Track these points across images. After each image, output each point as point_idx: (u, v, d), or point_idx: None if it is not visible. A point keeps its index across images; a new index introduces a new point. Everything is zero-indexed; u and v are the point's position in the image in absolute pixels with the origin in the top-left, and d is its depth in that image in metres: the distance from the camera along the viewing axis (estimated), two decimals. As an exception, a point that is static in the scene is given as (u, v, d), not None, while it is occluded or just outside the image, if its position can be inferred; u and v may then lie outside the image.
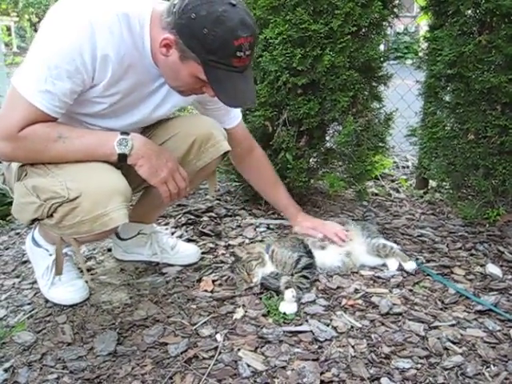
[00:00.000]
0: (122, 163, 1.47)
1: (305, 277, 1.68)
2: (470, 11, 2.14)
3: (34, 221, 1.50)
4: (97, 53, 1.35)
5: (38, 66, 1.34)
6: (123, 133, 1.46)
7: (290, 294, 1.58)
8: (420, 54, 2.40)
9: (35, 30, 18.88)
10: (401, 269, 1.83)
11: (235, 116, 1.89)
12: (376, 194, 2.84)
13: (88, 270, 1.90)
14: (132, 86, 1.49)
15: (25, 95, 1.34)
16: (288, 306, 1.57)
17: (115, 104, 1.49)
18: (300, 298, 1.62)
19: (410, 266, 1.82)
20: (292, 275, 1.71)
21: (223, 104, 1.72)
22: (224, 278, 1.81)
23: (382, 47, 2.44)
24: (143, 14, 1.41)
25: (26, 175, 1.48)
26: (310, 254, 1.76)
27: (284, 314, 1.55)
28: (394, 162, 3.52)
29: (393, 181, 3.15)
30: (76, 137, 1.43)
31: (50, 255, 1.72)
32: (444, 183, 2.47)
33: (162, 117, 1.69)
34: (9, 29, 15.76)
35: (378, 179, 3.07)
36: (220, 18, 1.30)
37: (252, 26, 1.36)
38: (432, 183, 2.83)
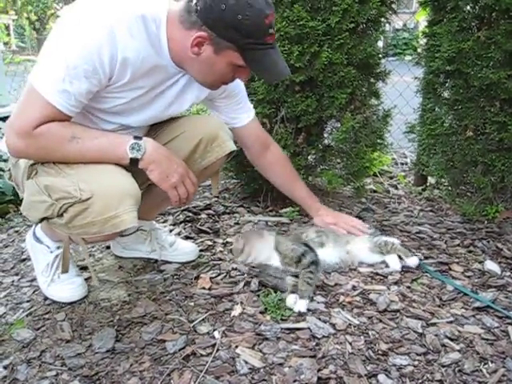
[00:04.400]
0: (133, 167, 1.48)
1: (311, 272, 1.66)
2: (468, 7, 2.14)
3: (43, 219, 1.50)
4: (117, 55, 1.35)
5: (56, 65, 1.33)
6: (136, 137, 1.47)
7: (292, 299, 1.57)
8: (419, 50, 2.40)
9: (34, 29, 18.88)
10: (403, 265, 1.82)
11: (247, 113, 1.89)
12: (374, 191, 2.84)
13: (86, 268, 1.90)
14: (149, 85, 1.50)
15: (42, 93, 1.34)
16: (296, 303, 1.57)
17: (133, 100, 1.50)
18: (310, 294, 1.61)
19: (413, 261, 1.82)
20: (296, 275, 1.69)
21: (236, 97, 1.81)
22: (222, 276, 1.82)
23: (380, 44, 2.43)
24: (159, 15, 1.42)
25: (36, 173, 1.49)
26: (312, 250, 1.76)
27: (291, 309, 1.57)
28: (393, 159, 3.52)
29: (391, 177, 3.15)
30: (89, 138, 1.43)
31: (51, 252, 1.73)
32: (443, 180, 2.48)
33: (174, 114, 1.70)
34: (7, 27, 15.74)
35: (377, 176, 3.07)
36: (248, 2, 1.34)
37: (271, 4, 1.42)
38: (431, 180, 2.84)
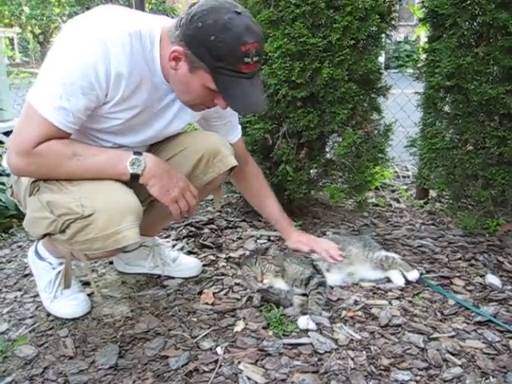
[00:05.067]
0: (134, 182, 1.49)
1: (320, 293, 1.67)
2: (467, 23, 2.17)
3: (45, 235, 1.50)
4: (111, 70, 1.37)
5: (53, 83, 1.36)
6: (136, 152, 1.48)
7: (305, 321, 1.56)
8: (419, 65, 2.43)
9: (38, 42, 19.05)
10: (405, 280, 1.83)
11: (237, 132, 1.92)
12: (376, 205, 2.85)
13: (89, 284, 1.91)
14: (144, 103, 1.51)
15: (40, 111, 1.36)
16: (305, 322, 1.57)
17: (130, 120, 1.52)
18: (320, 313, 1.62)
19: (413, 275, 1.83)
20: (305, 294, 1.69)
21: (229, 118, 1.77)
22: (225, 291, 1.83)
23: (381, 59, 2.46)
24: (153, 32, 1.44)
25: (38, 190, 1.50)
26: (319, 272, 1.77)
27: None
28: (395, 172, 3.53)
29: (393, 191, 3.16)
30: (90, 155, 1.45)
31: (53, 269, 1.74)
32: (444, 193, 2.49)
33: (173, 133, 1.72)
34: (11, 40, 15.88)
35: (379, 189, 3.08)
36: (226, 25, 1.32)
37: (258, 33, 1.39)
38: (432, 193, 2.85)
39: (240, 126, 1.94)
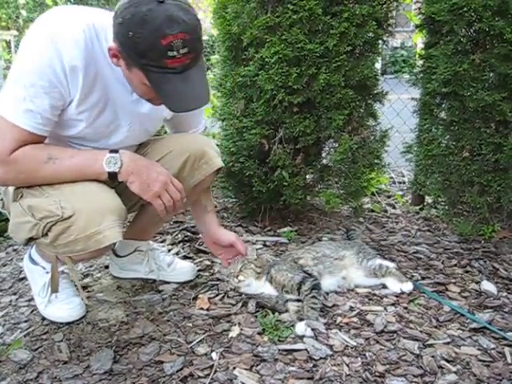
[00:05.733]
0: (113, 181, 1.48)
1: (315, 297, 1.66)
2: (463, 30, 2.18)
3: (29, 240, 1.51)
4: (65, 64, 1.35)
5: (14, 88, 1.36)
6: (112, 151, 1.47)
7: (302, 327, 1.55)
8: (415, 71, 2.43)
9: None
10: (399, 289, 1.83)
11: (198, 130, 1.91)
12: (372, 211, 2.85)
13: (84, 288, 1.91)
14: (105, 98, 1.49)
15: (7, 118, 1.36)
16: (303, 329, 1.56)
17: (96, 120, 1.50)
18: (317, 317, 1.61)
19: (407, 286, 1.82)
20: (300, 300, 1.69)
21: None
22: (220, 296, 1.82)
23: (378, 65, 2.46)
24: (105, 26, 1.40)
25: (21, 196, 1.50)
26: (312, 276, 1.77)
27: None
28: (391, 178, 3.54)
29: (389, 197, 3.17)
30: (66, 157, 1.44)
31: (47, 273, 1.72)
32: (440, 199, 2.49)
33: (152, 130, 1.71)
34: (8, 43, 15.84)
35: (374, 195, 3.08)
36: (143, 18, 1.24)
37: (183, 22, 1.26)
38: (428, 199, 2.85)
39: (204, 121, 1.95)
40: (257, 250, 2.11)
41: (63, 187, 1.45)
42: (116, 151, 1.47)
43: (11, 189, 1.55)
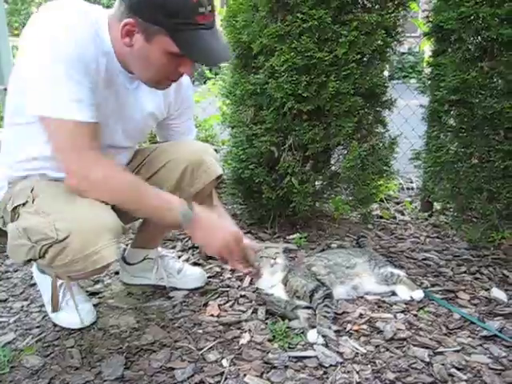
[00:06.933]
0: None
1: (327, 306, 1.67)
2: (471, 38, 2.18)
3: (28, 261, 1.47)
4: (87, 54, 1.35)
5: (53, 85, 1.31)
6: (186, 204, 1.47)
7: (314, 335, 1.56)
8: (423, 79, 2.44)
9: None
10: (410, 296, 1.83)
11: (192, 134, 1.93)
12: (381, 217, 2.86)
13: (95, 294, 1.93)
14: (107, 93, 1.48)
15: (58, 116, 1.32)
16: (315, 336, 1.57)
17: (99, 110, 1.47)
18: (330, 326, 1.61)
19: (418, 294, 1.82)
20: (310, 307, 1.69)
21: (187, 115, 1.79)
22: (230, 303, 1.84)
23: (385, 73, 2.47)
24: (100, 19, 1.40)
25: (18, 217, 1.48)
26: (324, 285, 1.77)
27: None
28: (399, 184, 3.54)
29: (398, 203, 3.17)
30: (151, 192, 1.46)
31: (58, 280, 1.74)
32: (448, 206, 2.49)
33: (151, 120, 1.70)
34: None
35: (383, 201, 3.08)
36: None
37: None
38: (436, 206, 2.85)
39: (195, 129, 1.95)
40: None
41: (59, 205, 1.42)
42: (190, 205, 1.48)
43: (9, 209, 1.52)
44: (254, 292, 1.87)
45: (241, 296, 1.87)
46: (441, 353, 1.51)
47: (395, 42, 2.37)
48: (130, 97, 1.57)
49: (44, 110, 1.33)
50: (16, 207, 1.49)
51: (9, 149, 1.56)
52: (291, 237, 2.44)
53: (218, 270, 2.13)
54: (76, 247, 1.36)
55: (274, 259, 1.75)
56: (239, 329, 1.66)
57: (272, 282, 1.75)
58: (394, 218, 2.87)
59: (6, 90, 3.74)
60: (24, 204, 1.47)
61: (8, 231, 1.48)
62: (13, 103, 1.47)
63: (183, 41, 1.33)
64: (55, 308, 1.63)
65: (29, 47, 1.34)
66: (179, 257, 2.24)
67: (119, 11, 1.36)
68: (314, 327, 1.59)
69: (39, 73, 1.32)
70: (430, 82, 2.36)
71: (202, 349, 1.55)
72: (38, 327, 1.74)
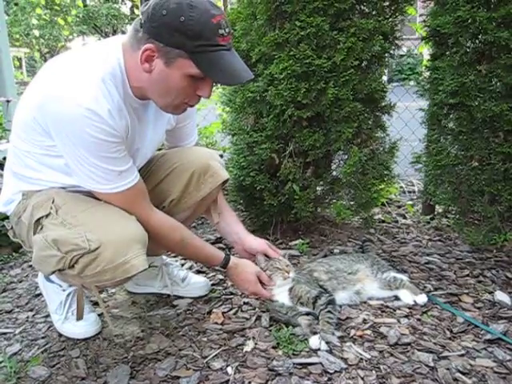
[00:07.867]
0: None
1: (330, 312, 1.67)
2: (469, 42, 2.19)
3: (55, 271, 1.49)
4: (108, 129, 1.39)
5: (96, 168, 1.42)
6: (226, 254, 1.77)
7: (316, 341, 1.56)
8: (422, 83, 2.45)
9: (45, 60, 19.29)
10: (413, 301, 1.83)
11: (194, 138, 1.95)
12: (383, 221, 2.86)
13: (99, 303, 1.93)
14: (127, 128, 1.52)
15: (112, 191, 1.47)
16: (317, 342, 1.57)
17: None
18: (333, 332, 1.61)
19: (422, 299, 1.82)
20: (310, 314, 1.69)
21: (190, 118, 1.83)
22: (234, 311, 1.84)
23: (384, 78, 2.49)
24: (113, 63, 1.43)
25: (41, 228, 1.50)
26: (327, 291, 1.78)
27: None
28: (400, 187, 3.54)
29: (399, 206, 3.17)
30: (197, 242, 1.72)
31: (64, 290, 1.76)
32: (450, 209, 2.50)
33: (158, 140, 1.77)
34: (20, 60, 16.08)
35: (385, 205, 3.09)
36: (190, 4, 1.31)
37: (219, 8, 1.38)
38: (438, 209, 2.85)
39: (197, 131, 1.99)
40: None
41: (87, 217, 1.47)
42: (228, 255, 1.77)
43: (25, 219, 1.55)
44: (257, 299, 1.88)
45: (244, 303, 1.88)
46: (445, 357, 1.51)
47: (393, 47, 2.38)
48: (149, 124, 1.64)
49: (91, 188, 1.48)
50: (39, 219, 1.51)
51: (24, 162, 1.55)
52: (293, 243, 2.45)
53: (221, 277, 2.13)
54: (107, 257, 1.41)
55: (288, 273, 1.78)
56: (243, 336, 1.67)
57: (279, 291, 1.77)
58: (396, 221, 2.88)
59: (8, 101, 3.80)
60: (47, 216, 1.50)
61: (33, 243, 1.51)
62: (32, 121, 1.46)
63: (205, 62, 1.37)
64: (80, 317, 1.63)
65: (59, 138, 1.41)
66: (182, 265, 2.24)
67: (135, 39, 1.39)
68: (315, 333, 1.60)
69: (78, 164, 1.43)
70: (428, 85, 2.37)
71: (206, 357, 1.56)
72: (43, 338, 1.75)
